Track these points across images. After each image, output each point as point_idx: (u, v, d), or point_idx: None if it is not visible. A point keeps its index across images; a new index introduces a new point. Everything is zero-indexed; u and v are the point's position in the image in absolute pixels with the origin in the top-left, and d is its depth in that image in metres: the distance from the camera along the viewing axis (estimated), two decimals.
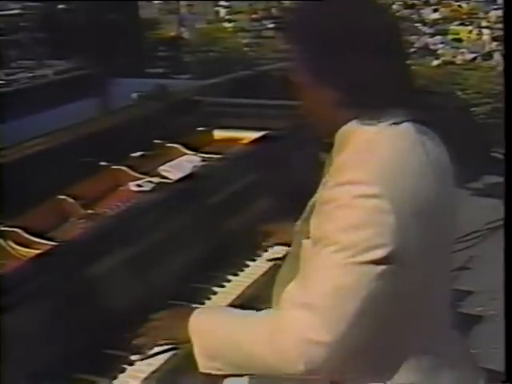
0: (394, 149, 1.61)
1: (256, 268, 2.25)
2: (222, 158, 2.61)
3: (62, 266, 1.81)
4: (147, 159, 2.58)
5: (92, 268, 1.88)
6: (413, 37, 6.98)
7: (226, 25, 8.47)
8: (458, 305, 3.49)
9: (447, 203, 1.68)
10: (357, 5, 1.68)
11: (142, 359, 1.79)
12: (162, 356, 1.80)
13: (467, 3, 7.97)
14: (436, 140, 1.70)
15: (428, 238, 1.59)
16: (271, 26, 8.25)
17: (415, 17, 7.84)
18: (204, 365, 1.69)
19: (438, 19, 7.75)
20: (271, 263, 2.27)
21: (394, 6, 7.89)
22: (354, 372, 1.60)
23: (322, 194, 1.63)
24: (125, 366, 1.77)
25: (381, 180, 1.54)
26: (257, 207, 2.50)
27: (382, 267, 1.52)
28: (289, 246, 2.05)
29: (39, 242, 2.01)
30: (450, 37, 7.20)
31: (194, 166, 2.55)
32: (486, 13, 7.65)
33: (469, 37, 7.08)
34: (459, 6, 7.90)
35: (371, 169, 1.56)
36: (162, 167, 2.54)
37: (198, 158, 2.65)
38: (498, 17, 7.42)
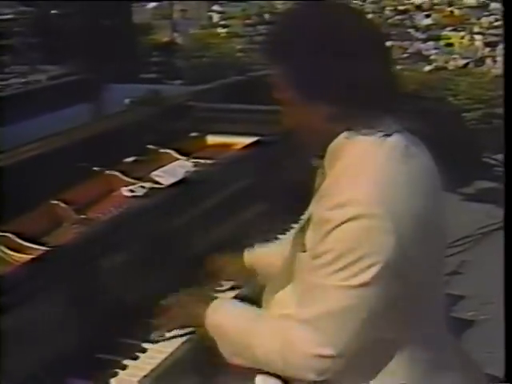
0: (386, 164, 1.62)
1: None
2: (215, 164, 2.62)
3: (55, 271, 1.82)
4: (140, 164, 2.58)
5: (85, 273, 1.88)
6: (405, 42, 7.00)
7: (220, 30, 8.48)
8: (450, 309, 3.50)
9: (437, 211, 1.71)
10: (339, 16, 1.67)
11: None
12: (158, 353, 1.83)
13: (459, 9, 8.00)
14: (422, 149, 1.72)
15: (422, 248, 1.61)
16: (264, 31, 8.26)
17: (407, 22, 7.86)
18: (229, 358, 1.75)
19: (431, 25, 7.78)
20: None
21: (387, 12, 7.92)
22: (355, 373, 1.65)
23: (318, 210, 1.65)
24: (117, 370, 1.78)
25: (376, 199, 1.56)
26: (249, 212, 2.50)
27: (380, 285, 1.56)
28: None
29: (32, 247, 2.01)
30: (442, 42, 7.22)
31: (187, 172, 2.55)
32: (478, 19, 7.68)
33: (461, 42, 7.11)
34: (451, 11, 7.93)
35: (366, 188, 1.57)
36: (154, 172, 2.55)
37: (191, 164, 2.66)
38: (490, 22, 7.46)
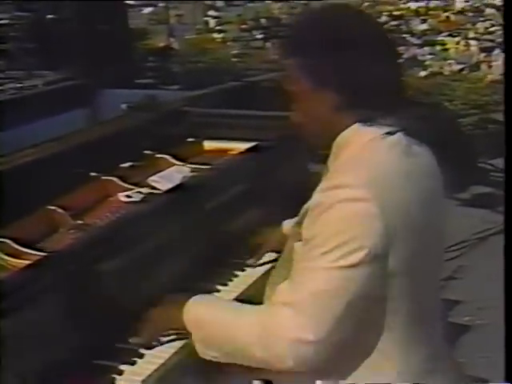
0: (385, 158, 1.65)
1: (245, 278, 2.26)
2: (212, 169, 2.62)
3: (52, 276, 1.82)
4: (137, 170, 2.58)
5: (82, 279, 1.88)
6: (401, 48, 7.02)
7: (216, 35, 8.49)
8: (446, 314, 3.50)
9: (434, 212, 1.72)
10: (350, 16, 1.77)
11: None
12: (156, 358, 1.82)
13: (455, 15, 8.03)
14: (425, 151, 1.74)
15: (416, 246, 1.62)
16: (260, 36, 8.28)
17: (403, 28, 7.89)
18: (202, 352, 1.74)
19: (426, 30, 7.80)
20: (259, 274, 2.27)
21: (383, 17, 7.94)
22: (339, 366, 1.65)
23: (313, 198, 1.67)
24: (114, 375, 1.77)
25: (368, 184, 1.58)
26: (246, 218, 2.50)
27: (366, 269, 1.57)
28: (279, 252, 2.11)
29: (29, 253, 2.01)
30: (437, 48, 7.24)
31: (184, 177, 2.55)
32: (474, 24, 7.70)
33: (456, 48, 7.13)
34: (447, 17, 7.96)
35: (359, 174, 1.61)
36: (151, 178, 2.55)
37: (188, 169, 2.66)
38: (486, 28, 7.49)
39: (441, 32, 7.62)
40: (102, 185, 2.46)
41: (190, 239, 2.26)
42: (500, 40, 6.72)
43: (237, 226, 2.45)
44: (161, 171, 2.61)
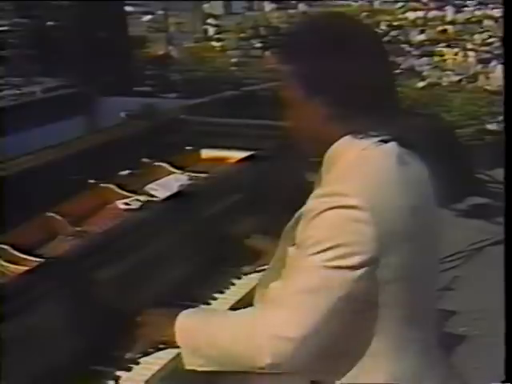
0: (378, 166, 1.67)
1: (242, 285, 2.27)
2: (209, 177, 2.63)
3: (50, 282, 1.82)
4: (135, 178, 2.59)
5: (79, 285, 1.89)
6: (399, 58, 7.04)
7: (215, 44, 8.50)
8: (442, 323, 3.51)
9: (429, 221, 1.74)
10: (348, 24, 1.79)
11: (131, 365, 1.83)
12: (152, 364, 1.83)
13: (453, 25, 8.05)
14: (418, 160, 1.76)
15: (409, 254, 1.64)
16: (259, 45, 8.30)
17: (401, 38, 7.90)
18: (188, 361, 1.75)
19: (424, 41, 7.82)
20: (255, 282, 2.28)
21: (382, 27, 7.96)
22: (324, 371, 1.67)
23: (307, 204, 1.69)
24: (110, 381, 1.78)
25: (362, 193, 1.60)
26: (243, 226, 2.51)
27: (354, 274, 1.59)
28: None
29: (27, 259, 2.01)
30: (435, 58, 7.26)
31: (181, 185, 2.56)
32: (472, 35, 7.72)
33: (454, 59, 7.15)
34: (445, 28, 7.98)
35: (353, 182, 1.63)
36: (149, 186, 2.56)
37: (185, 177, 2.67)
38: (484, 39, 7.51)
39: (439, 43, 7.64)
40: (100, 192, 2.47)
41: (187, 247, 2.27)
42: (498, 52, 6.74)
43: (234, 234, 2.46)
44: (159, 179, 2.62)
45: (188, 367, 1.75)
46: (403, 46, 7.64)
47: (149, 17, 9.66)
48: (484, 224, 4.99)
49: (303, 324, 1.58)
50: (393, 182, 1.66)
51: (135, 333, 1.89)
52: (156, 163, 2.72)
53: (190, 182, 2.62)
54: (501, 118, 5.12)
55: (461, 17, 8.28)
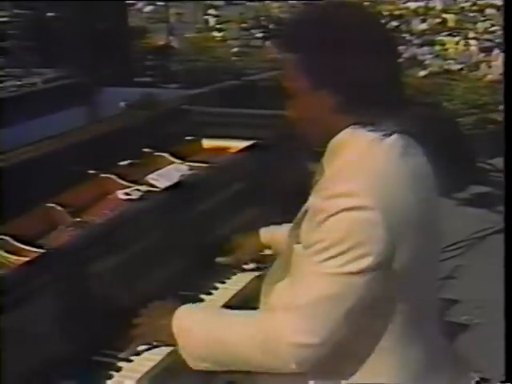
0: (385, 162, 1.65)
1: (244, 275, 2.27)
2: (210, 167, 2.62)
3: (51, 273, 1.82)
4: (135, 168, 2.58)
5: (80, 276, 1.89)
6: (401, 47, 7.01)
7: (215, 34, 8.48)
8: (444, 312, 3.51)
9: (432, 212, 1.73)
10: (355, 13, 1.74)
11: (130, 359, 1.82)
12: (154, 355, 1.83)
13: (455, 14, 8.02)
14: (420, 151, 1.75)
15: (416, 248, 1.63)
16: (260, 35, 8.28)
17: (403, 27, 7.88)
18: (193, 364, 1.75)
19: (426, 30, 7.80)
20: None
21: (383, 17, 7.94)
22: (339, 367, 1.68)
23: (314, 202, 1.67)
24: (112, 372, 1.78)
25: (371, 192, 1.59)
26: (245, 216, 2.51)
27: (369, 277, 1.58)
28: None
29: (28, 250, 2.01)
30: (437, 47, 7.24)
31: (182, 175, 2.56)
32: (474, 24, 7.70)
33: (456, 48, 7.13)
34: (446, 18, 7.95)
35: (362, 181, 1.61)
36: (149, 176, 2.55)
37: (186, 167, 2.66)
38: (486, 28, 7.49)
39: (441, 31, 7.62)
40: (100, 182, 2.46)
41: (188, 236, 2.27)
42: (499, 40, 6.72)
43: (235, 224, 2.45)
44: (159, 169, 2.62)
45: (194, 368, 1.75)
46: (404, 35, 7.61)
47: (150, 7, 9.64)
48: (486, 213, 4.98)
49: (323, 330, 1.60)
50: (399, 177, 1.64)
51: (135, 324, 1.88)
52: (157, 153, 2.71)
53: (190, 171, 2.62)
54: (501, 106, 5.10)
55: (463, 5, 8.25)
